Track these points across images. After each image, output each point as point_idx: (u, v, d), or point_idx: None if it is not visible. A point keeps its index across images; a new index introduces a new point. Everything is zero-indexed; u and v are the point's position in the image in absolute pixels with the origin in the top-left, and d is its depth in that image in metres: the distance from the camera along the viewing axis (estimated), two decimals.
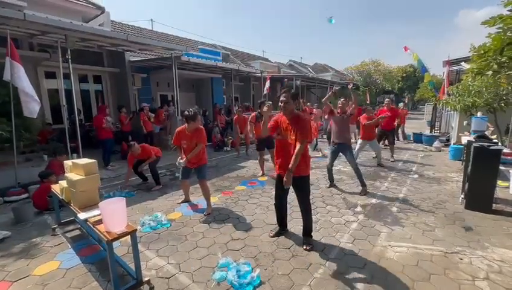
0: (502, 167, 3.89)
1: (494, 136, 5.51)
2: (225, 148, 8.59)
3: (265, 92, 11.69)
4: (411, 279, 2.30)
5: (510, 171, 4.43)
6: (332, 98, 5.00)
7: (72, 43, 5.05)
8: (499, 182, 4.18)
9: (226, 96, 13.47)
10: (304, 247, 2.78)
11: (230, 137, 9.24)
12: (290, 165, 2.52)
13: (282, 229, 3.09)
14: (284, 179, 2.58)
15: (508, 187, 4.37)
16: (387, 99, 7.85)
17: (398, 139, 9.55)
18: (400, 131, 10.04)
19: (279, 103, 2.64)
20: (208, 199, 3.77)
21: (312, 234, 2.92)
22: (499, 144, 4.45)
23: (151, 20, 26.03)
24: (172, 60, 7.48)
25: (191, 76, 11.06)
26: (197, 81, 12.27)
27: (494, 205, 3.65)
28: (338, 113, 4.59)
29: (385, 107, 7.31)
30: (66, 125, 6.01)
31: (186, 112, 3.58)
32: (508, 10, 3.31)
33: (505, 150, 4.73)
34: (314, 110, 9.43)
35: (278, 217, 3.09)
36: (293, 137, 2.60)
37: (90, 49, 7.47)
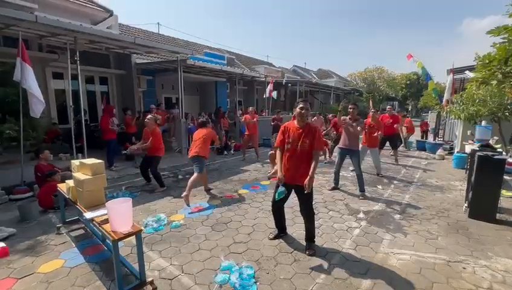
0: (506, 177, 3.87)
1: (499, 146, 5.49)
2: (225, 152, 8.56)
3: (266, 95, 11.78)
4: (414, 287, 2.30)
5: None
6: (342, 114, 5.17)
7: (81, 45, 5.17)
8: (503, 192, 4.16)
9: (230, 100, 13.56)
10: (306, 252, 2.79)
11: (233, 141, 9.27)
12: (311, 172, 2.63)
13: (281, 232, 3.14)
14: (306, 183, 2.61)
15: None
16: (388, 106, 7.93)
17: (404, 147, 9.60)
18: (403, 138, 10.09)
19: (298, 110, 2.75)
20: (190, 187, 4.15)
21: (315, 239, 2.93)
22: (503, 153, 4.44)
23: (158, 23, 26.26)
24: (178, 63, 7.57)
25: (195, 79, 11.16)
26: (201, 84, 12.37)
27: (498, 214, 3.64)
28: (350, 119, 4.64)
29: (387, 114, 7.36)
30: (72, 126, 6.09)
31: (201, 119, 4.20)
32: None
33: (509, 160, 4.71)
34: (315, 118, 9.48)
35: (276, 222, 3.14)
36: (304, 145, 2.69)
37: (97, 51, 7.58)
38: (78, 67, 5.15)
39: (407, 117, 11.69)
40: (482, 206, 3.62)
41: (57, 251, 2.82)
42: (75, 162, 2.89)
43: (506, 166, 3.68)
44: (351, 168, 5.98)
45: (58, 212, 3.67)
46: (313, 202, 2.89)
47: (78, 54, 5.08)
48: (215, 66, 9.52)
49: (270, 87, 11.70)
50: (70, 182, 2.87)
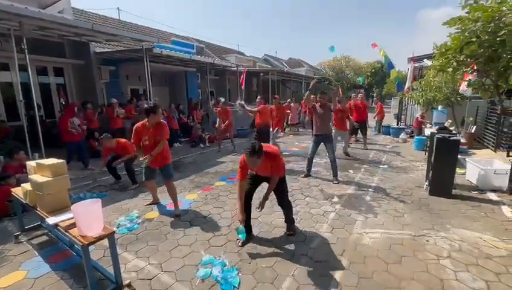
0: (458, 156, 4.28)
1: (453, 128, 6.04)
2: (201, 144, 8.35)
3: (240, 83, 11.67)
4: (385, 262, 2.47)
5: (466, 159, 4.90)
6: (313, 91, 5.27)
7: (28, 31, 4.59)
8: (457, 169, 4.61)
9: (201, 90, 13.16)
10: (287, 232, 2.90)
11: (207, 133, 9.07)
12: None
13: (249, 233, 2.85)
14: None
15: (464, 174, 4.84)
16: (360, 94, 8.27)
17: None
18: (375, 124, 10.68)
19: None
20: (174, 199, 3.55)
21: (294, 222, 3.03)
22: (458, 135, 4.89)
23: (118, 8, 23.95)
24: (144, 52, 7.10)
25: (163, 69, 10.61)
26: (170, 74, 11.80)
27: (453, 190, 4.03)
28: (320, 107, 4.76)
29: (358, 101, 7.71)
30: (25, 123, 5.47)
31: (145, 105, 3.42)
32: (466, 12, 3.61)
33: (462, 140, 5.23)
34: (292, 104, 9.65)
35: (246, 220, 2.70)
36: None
37: (49, 39, 6.81)
38: (27, 56, 4.59)
39: (379, 102, 12.01)
40: (441, 183, 3.98)
41: (17, 262, 2.56)
42: (31, 163, 2.60)
43: None
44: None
45: (15, 219, 3.32)
46: (289, 189, 2.97)
47: (25, 41, 4.51)
48: (184, 55, 9.10)
49: (243, 78, 11.59)
50: (27, 186, 2.59)
